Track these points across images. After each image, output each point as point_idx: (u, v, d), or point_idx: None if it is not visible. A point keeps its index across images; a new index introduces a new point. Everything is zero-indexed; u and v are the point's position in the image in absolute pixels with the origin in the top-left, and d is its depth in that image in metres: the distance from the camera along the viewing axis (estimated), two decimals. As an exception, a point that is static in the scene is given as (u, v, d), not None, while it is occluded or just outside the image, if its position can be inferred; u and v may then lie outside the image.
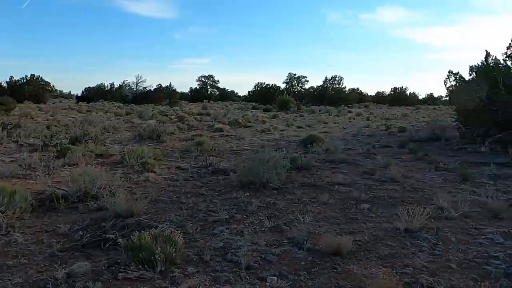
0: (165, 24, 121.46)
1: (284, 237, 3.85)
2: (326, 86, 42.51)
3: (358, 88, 53.84)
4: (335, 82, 42.42)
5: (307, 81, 51.17)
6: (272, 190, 5.59)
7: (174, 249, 3.15)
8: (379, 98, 54.50)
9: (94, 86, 48.31)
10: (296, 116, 23.39)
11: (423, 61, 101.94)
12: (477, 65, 10.99)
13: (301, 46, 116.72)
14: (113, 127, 14.55)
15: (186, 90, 61.32)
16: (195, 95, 57.44)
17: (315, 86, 45.48)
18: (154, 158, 8.13)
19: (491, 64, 10.36)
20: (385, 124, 16.45)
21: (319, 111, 29.18)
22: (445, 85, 10.70)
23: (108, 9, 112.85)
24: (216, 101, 54.19)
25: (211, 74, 63.15)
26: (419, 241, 3.76)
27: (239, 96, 65.87)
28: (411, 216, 4.05)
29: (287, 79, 52.23)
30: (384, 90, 56.24)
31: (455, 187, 6.09)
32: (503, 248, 3.61)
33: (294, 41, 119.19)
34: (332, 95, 40.07)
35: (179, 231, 3.46)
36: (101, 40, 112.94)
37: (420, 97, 55.18)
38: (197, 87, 61.99)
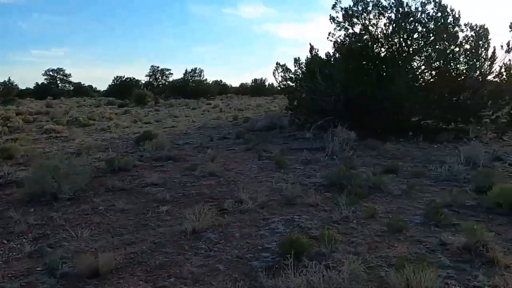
0: (5, 9, 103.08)
1: (41, 262, 3.20)
2: (187, 79, 42.05)
3: (221, 80, 54.88)
4: (196, 74, 42.30)
5: (171, 74, 49.77)
6: (66, 201, 4.83)
7: None
8: (242, 89, 56.53)
9: None
10: (150, 111, 22.31)
11: (281, 54, 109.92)
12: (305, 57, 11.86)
13: (166, 38, 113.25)
14: None
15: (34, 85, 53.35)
16: (43, 92, 50.39)
17: (176, 80, 44.57)
18: None
19: (314, 56, 11.27)
20: (233, 115, 16.79)
21: (178, 104, 28.54)
22: (274, 76, 11.29)
23: None
24: (70, 97, 48.53)
25: (60, 67, 56.28)
26: (200, 243, 3.55)
27: (98, 91, 60.42)
28: (197, 216, 3.84)
29: (150, 72, 49.96)
30: (247, 82, 58.57)
31: (269, 175, 6.26)
32: (279, 238, 3.63)
33: (158, 33, 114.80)
34: (192, 87, 39.81)
35: None
36: None
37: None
38: (45, 82, 54.57)
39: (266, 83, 55.02)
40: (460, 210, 4.32)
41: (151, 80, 49.22)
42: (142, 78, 48.34)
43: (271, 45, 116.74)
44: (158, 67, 49.22)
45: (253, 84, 55.20)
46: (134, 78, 43.14)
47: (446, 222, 3.87)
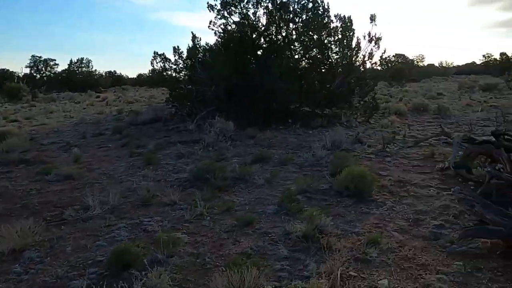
0: None
1: None
2: (73, 70, 38.22)
3: (115, 71, 51.24)
4: (83, 65, 38.67)
5: (57, 64, 44.60)
6: None
7: None
8: (140, 80, 53.52)
9: None
10: (24, 107, 19.64)
11: (179, 42, 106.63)
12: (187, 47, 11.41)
13: (52, 27, 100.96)
14: None
15: None
16: None
17: (61, 71, 40.13)
18: None
19: (196, 45, 10.90)
20: (119, 109, 15.62)
21: (62, 98, 25.78)
22: (152, 65, 10.69)
23: None
24: None
25: None
26: (16, 265, 3.00)
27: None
28: (19, 231, 3.25)
29: (30, 63, 44.14)
30: (145, 72, 55.52)
31: (135, 174, 5.79)
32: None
33: (41, 21, 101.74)
34: (80, 79, 36.34)
35: None
36: None
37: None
38: None
39: (165, 73, 53.07)
40: (313, 195, 4.43)
41: (32, 72, 43.70)
42: (22, 70, 42.56)
43: (169, 33, 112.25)
44: (40, 57, 43.80)
45: (150, 74, 52.66)
46: (8, 70, 37.66)
47: (296, 210, 3.90)
